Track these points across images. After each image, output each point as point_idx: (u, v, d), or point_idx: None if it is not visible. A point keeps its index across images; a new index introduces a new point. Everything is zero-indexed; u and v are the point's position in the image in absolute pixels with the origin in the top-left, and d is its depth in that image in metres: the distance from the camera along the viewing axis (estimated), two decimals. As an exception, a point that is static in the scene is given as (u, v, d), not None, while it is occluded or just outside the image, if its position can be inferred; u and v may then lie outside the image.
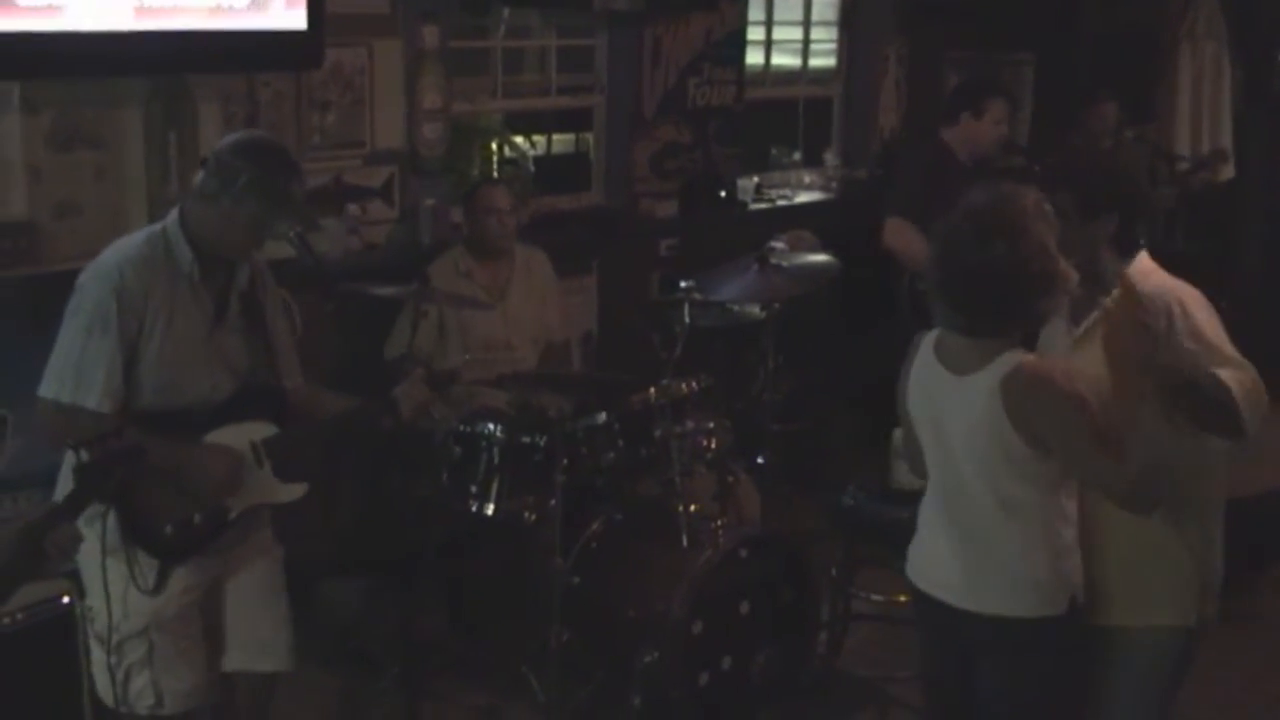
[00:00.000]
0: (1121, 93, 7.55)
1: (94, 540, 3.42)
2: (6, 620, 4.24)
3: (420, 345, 4.86)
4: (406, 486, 4.65)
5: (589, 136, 7.17)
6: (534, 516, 4.80)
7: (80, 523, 3.35)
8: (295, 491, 3.77)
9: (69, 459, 3.47)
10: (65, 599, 4.38)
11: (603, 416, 4.81)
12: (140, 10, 4.55)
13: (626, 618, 4.61)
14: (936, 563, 3.33)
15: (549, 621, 4.59)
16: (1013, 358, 3.10)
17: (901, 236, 5.89)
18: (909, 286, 5.97)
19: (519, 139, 7.00)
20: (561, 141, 7.65)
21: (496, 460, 4.83)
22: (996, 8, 8.03)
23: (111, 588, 3.50)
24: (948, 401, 3.20)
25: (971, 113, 6.09)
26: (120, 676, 3.66)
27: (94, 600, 3.63)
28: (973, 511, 3.22)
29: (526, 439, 4.84)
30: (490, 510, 4.81)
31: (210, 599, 3.79)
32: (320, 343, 3.99)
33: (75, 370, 3.47)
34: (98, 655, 3.69)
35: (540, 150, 7.38)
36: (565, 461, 4.65)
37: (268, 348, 3.74)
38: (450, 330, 5.28)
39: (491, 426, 4.86)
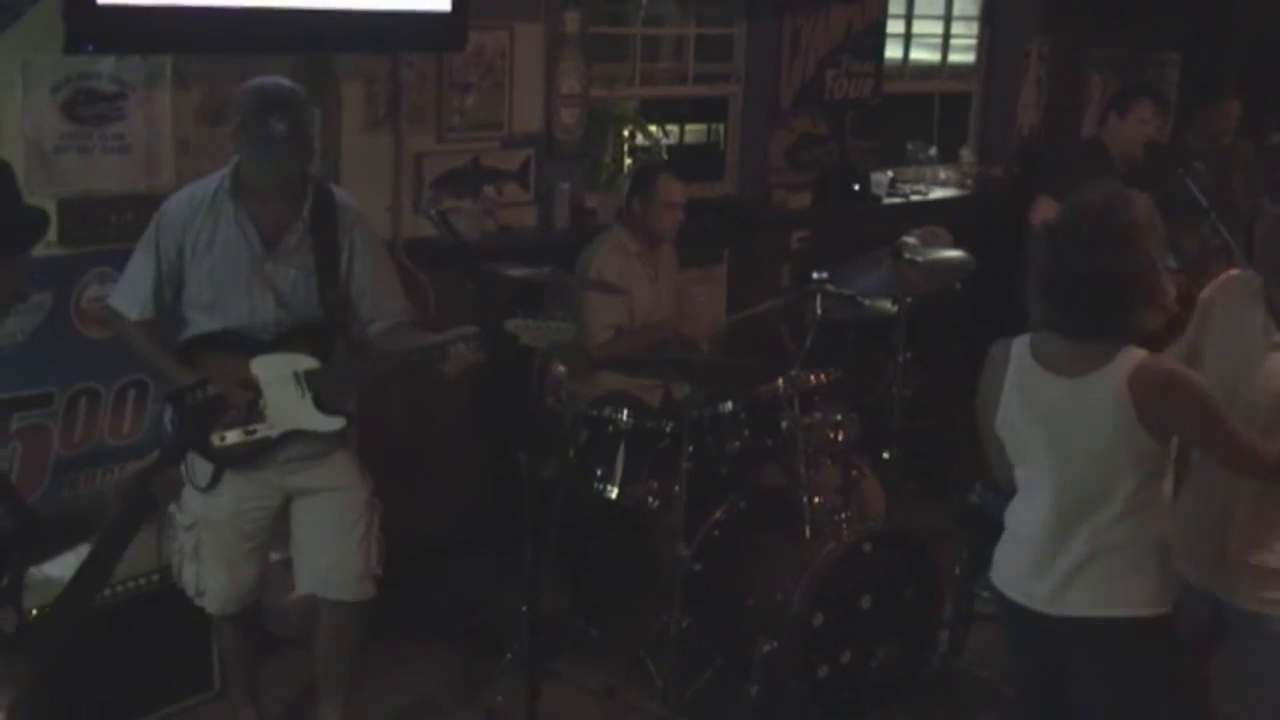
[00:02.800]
0: (1271, 96, 7.34)
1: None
2: (142, 581, 4.38)
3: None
4: (533, 466, 4.68)
5: (720, 127, 7.16)
6: (657, 502, 4.82)
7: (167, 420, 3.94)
8: (333, 424, 4.03)
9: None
10: (199, 563, 4.50)
11: (729, 405, 4.81)
12: (289, -13, 4.65)
13: (747, 606, 4.61)
14: (1034, 572, 3.26)
15: (669, 607, 4.61)
16: (1133, 355, 3.06)
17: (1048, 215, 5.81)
18: None
19: (652, 128, 7.00)
20: (694, 131, 7.64)
21: (622, 444, 4.86)
22: (1143, 6, 7.88)
23: None
24: (1061, 406, 3.13)
25: (1116, 112, 6.01)
26: (176, 561, 4.18)
27: None
28: (1089, 515, 3.15)
29: (653, 424, 4.86)
30: (614, 494, 4.84)
31: (282, 522, 4.17)
32: (460, 320, 4.06)
33: (125, 280, 4.04)
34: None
35: (673, 140, 7.38)
36: (691, 448, 4.66)
37: (334, 286, 4.03)
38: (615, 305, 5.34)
39: (619, 411, 4.89)
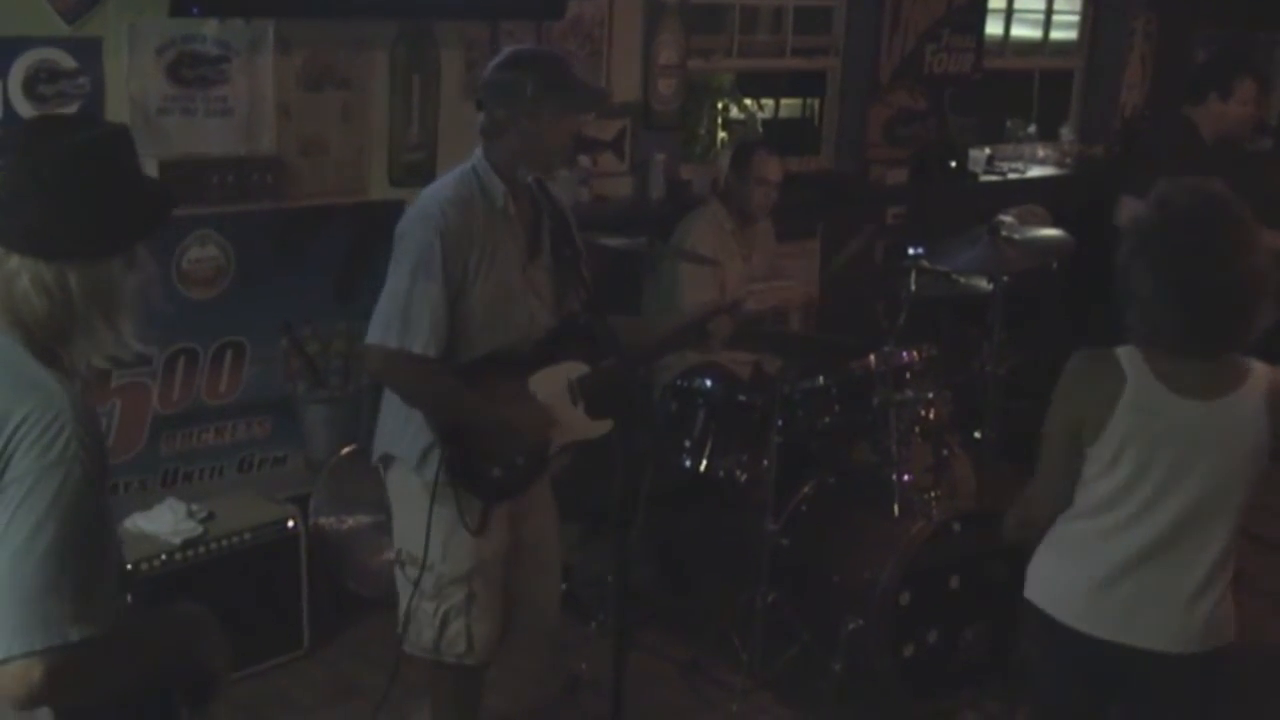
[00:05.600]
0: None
1: (420, 486, 3.54)
2: (235, 539, 4.45)
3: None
4: (622, 437, 4.69)
5: (815, 102, 7.11)
6: (745, 476, 4.80)
7: (411, 469, 3.54)
8: (603, 427, 3.78)
9: (406, 412, 3.57)
10: (290, 523, 4.57)
11: (821, 380, 4.78)
12: (392, -46, 4.68)
13: (833, 583, 4.59)
14: (1119, 601, 3.03)
15: (756, 581, 4.60)
16: (1262, 369, 2.94)
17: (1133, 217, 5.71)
18: None
19: (748, 101, 6.98)
20: (789, 106, 7.60)
21: (712, 417, 4.84)
22: (1252, -16, 7.72)
23: (433, 530, 3.54)
24: (1193, 430, 2.92)
25: (1218, 93, 5.84)
26: (434, 624, 3.67)
27: (413, 546, 3.64)
28: (1198, 546, 2.99)
29: (743, 398, 4.84)
30: (703, 467, 4.83)
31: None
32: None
33: (402, 315, 3.42)
34: (417, 604, 3.67)
35: (768, 113, 7.35)
36: (780, 422, 4.64)
37: (578, 285, 3.65)
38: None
39: (709, 383, 4.88)
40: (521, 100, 3.46)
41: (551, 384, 3.66)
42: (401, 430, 3.60)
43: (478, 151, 3.58)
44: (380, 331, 3.45)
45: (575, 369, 3.71)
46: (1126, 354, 2.97)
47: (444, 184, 3.57)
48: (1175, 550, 2.99)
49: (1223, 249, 2.85)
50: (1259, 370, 2.94)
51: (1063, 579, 3.14)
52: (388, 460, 3.69)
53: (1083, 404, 3.00)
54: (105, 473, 2.06)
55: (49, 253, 2.05)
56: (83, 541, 1.99)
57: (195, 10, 4.34)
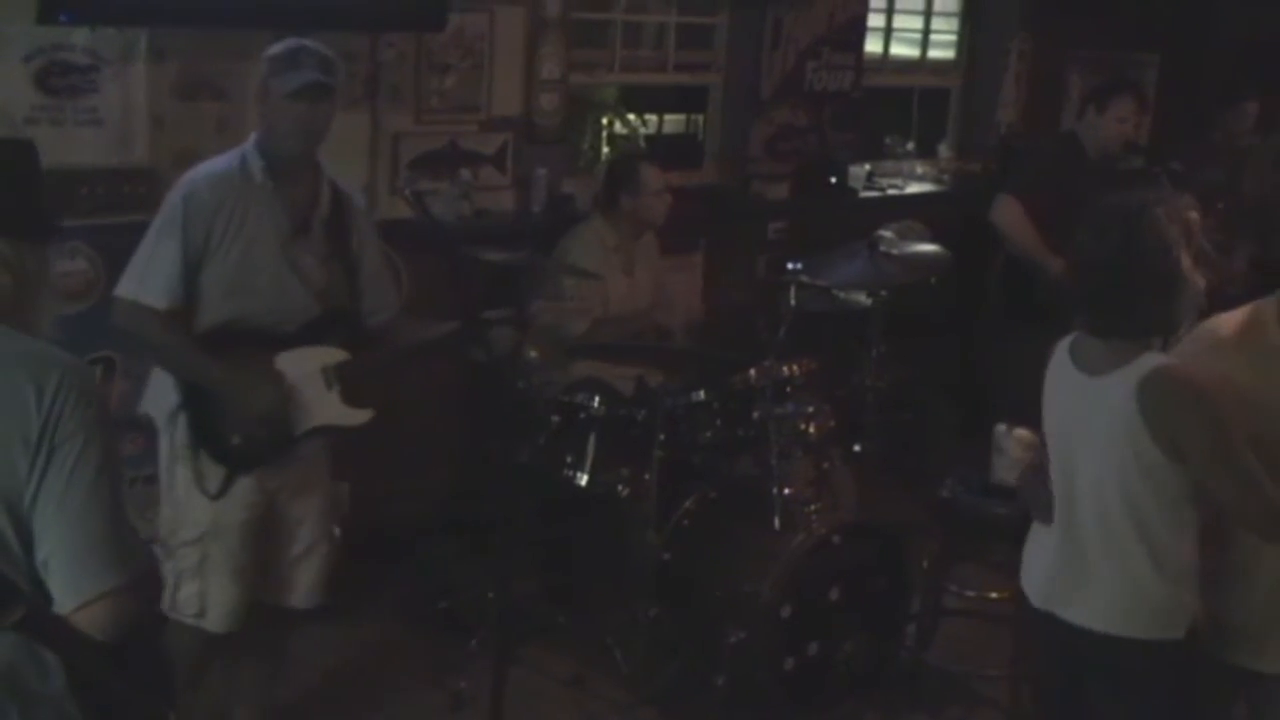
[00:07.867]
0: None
1: (167, 446, 3.74)
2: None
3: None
4: (504, 452, 4.66)
5: (699, 118, 7.14)
6: (628, 490, 4.79)
7: (161, 429, 3.73)
8: (360, 417, 3.88)
9: (162, 375, 3.76)
10: (155, 545, 4.47)
11: (702, 394, 4.79)
12: (269, -36, 4.61)
13: (715, 596, 4.59)
14: (1047, 573, 3.19)
15: (638, 595, 4.59)
16: (1151, 359, 2.96)
17: (1008, 215, 5.82)
18: (1002, 267, 5.96)
19: (631, 116, 6.98)
20: (672, 122, 7.62)
21: (594, 431, 4.82)
22: (1124, 6, 7.88)
23: (174, 491, 3.75)
24: (1078, 404, 3.05)
25: (1095, 107, 5.99)
26: (172, 581, 3.78)
27: (161, 503, 3.84)
28: (1094, 522, 3.05)
29: (625, 412, 4.84)
30: (584, 480, 4.80)
31: (264, 524, 3.86)
32: (434, 303, 4.05)
33: (142, 270, 3.67)
34: (161, 561, 3.78)
35: (650, 129, 7.36)
36: (663, 437, 4.64)
37: (349, 276, 3.88)
38: (588, 296, 5.30)
39: (590, 397, 4.87)
40: (258, 85, 3.76)
41: (302, 364, 3.78)
42: (156, 392, 3.78)
43: (252, 136, 3.83)
44: (123, 284, 3.70)
45: (333, 355, 3.83)
46: (1068, 338, 3.17)
47: (212, 160, 3.82)
48: (1077, 521, 3.09)
49: (1105, 228, 2.99)
50: (1149, 360, 2.96)
51: (1030, 551, 3.32)
52: (147, 420, 3.86)
53: (1040, 383, 3.23)
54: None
55: (14, 232, 2.21)
56: (122, 485, 2.23)
57: (64, 18, 4.25)
